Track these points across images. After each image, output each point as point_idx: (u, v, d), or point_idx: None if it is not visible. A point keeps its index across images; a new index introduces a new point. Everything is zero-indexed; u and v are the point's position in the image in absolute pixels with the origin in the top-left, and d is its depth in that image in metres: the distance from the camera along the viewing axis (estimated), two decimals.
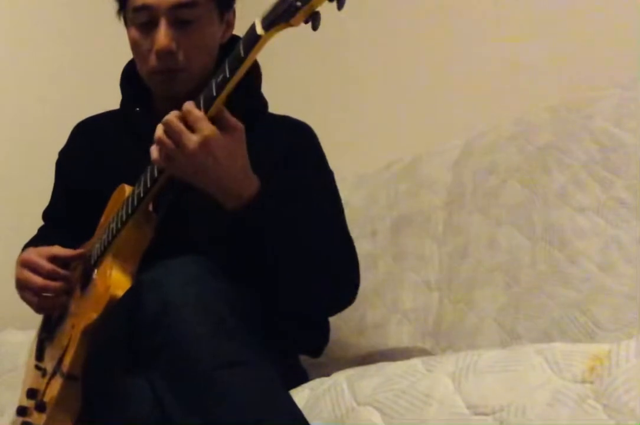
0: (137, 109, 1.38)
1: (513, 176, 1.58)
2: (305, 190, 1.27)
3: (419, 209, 1.74)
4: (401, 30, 2.13)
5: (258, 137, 1.19)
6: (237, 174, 1.10)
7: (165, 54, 1.25)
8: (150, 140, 1.10)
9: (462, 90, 1.95)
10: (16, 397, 1.41)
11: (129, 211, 1.18)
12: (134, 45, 1.31)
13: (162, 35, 1.24)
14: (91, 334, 1.15)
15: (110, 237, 1.21)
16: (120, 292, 1.12)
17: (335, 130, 2.07)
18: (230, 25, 1.36)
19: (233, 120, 1.08)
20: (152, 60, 1.27)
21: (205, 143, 1.04)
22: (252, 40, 0.98)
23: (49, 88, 2.29)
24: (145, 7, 1.25)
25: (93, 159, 1.42)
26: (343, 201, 1.38)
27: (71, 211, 1.44)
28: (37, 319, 1.44)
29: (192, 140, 1.04)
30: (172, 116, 1.06)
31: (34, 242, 1.43)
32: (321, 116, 1.47)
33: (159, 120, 1.09)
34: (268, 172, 1.16)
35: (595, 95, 1.55)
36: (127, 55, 1.37)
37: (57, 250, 1.31)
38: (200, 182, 1.10)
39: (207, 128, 1.04)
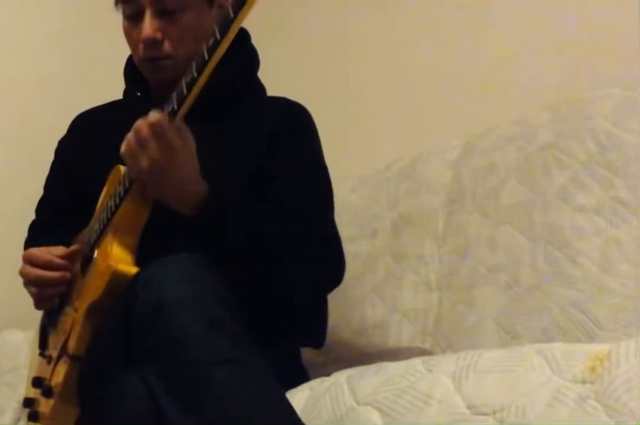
0: (138, 93, 1.43)
1: (513, 176, 1.58)
2: (286, 174, 1.32)
3: (419, 209, 1.74)
4: (401, 30, 2.14)
5: (250, 118, 1.33)
6: (190, 181, 1.18)
7: (150, 44, 1.32)
8: None
9: (462, 90, 1.95)
10: (16, 396, 1.41)
11: (126, 185, 1.19)
12: (126, 36, 1.38)
13: (147, 26, 1.31)
14: (95, 313, 1.14)
15: (109, 215, 1.22)
16: (121, 266, 1.12)
17: (335, 130, 2.07)
18: (222, 7, 1.37)
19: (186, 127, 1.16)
20: (140, 49, 1.34)
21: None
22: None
23: (45, 84, 2.29)
24: (130, 0, 1.33)
25: (94, 146, 1.43)
26: (343, 201, 1.37)
27: (70, 200, 1.44)
28: (38, 319, 1.43)
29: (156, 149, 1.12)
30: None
31: (32, 241, 1.43)
32: (321, 116, 1.47)
33: (156, 105, 1.15)
34: (258, 153, 1.29)
35: (595, 95, 1.55)
36: (125, 50, 1.43)
37: (60, 251, 1.30)
38: (161, 187, 1.17)
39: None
